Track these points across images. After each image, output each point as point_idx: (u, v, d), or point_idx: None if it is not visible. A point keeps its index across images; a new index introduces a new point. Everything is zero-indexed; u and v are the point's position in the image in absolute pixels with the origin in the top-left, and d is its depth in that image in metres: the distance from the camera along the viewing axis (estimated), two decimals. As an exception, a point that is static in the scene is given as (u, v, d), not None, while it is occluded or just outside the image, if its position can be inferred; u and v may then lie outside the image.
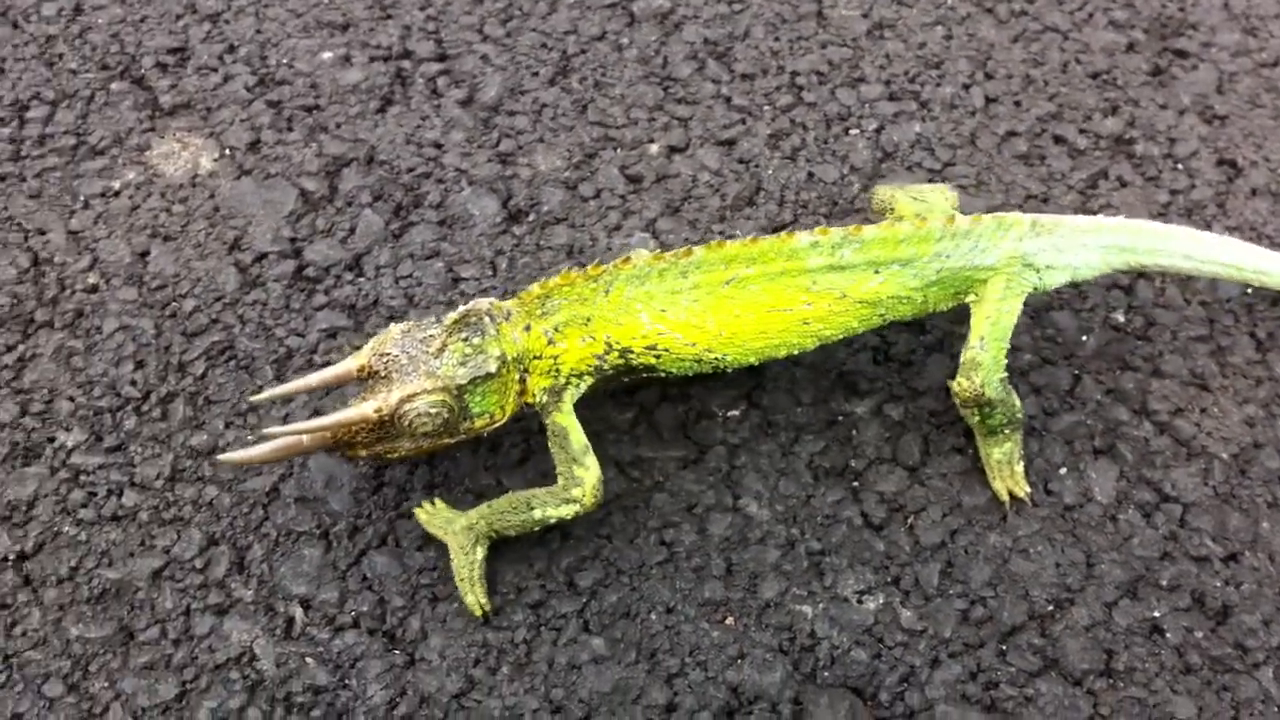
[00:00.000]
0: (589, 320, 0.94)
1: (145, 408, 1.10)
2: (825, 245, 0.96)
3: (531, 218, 1.25)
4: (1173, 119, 1.35)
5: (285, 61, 1.41)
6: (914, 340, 1.14)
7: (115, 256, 1.22)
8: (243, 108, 1.36)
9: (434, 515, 1.00)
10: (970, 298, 1.02)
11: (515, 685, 0.95)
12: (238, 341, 1.15)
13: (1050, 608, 0.98)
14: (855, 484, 1.05)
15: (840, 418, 1.09)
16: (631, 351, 0.96)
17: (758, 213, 1.25)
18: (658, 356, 0.97)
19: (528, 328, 0.93)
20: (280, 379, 1.12)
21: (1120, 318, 1.15)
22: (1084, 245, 1.03)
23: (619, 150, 1.32)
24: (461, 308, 0.91)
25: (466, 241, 1.23)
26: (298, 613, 0.98)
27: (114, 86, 1.38)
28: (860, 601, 0.99)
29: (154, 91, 1.37)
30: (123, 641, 0.97)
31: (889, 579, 1.00)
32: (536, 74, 1.39)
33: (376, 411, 0.88)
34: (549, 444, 0.96)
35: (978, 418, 1.01)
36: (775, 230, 1.24)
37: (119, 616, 0.98)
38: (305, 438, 0.89)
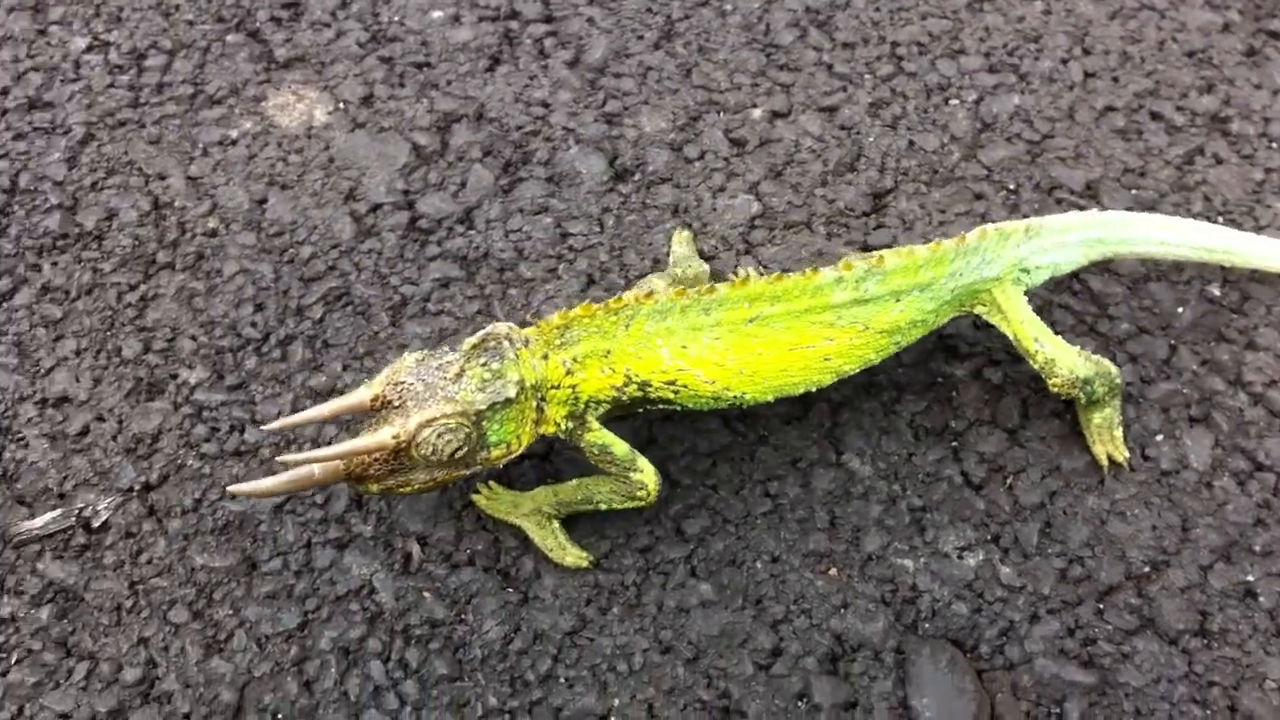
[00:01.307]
0: (609, 353, 0.93)
1: (265, 349, 1.14)
2: (849, 280, 0.96)
3: (637, 177, 1.28)
4: (1267, 99, 1.36)
5: (396, 19, 1.44)
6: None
7: (234, 202, 1.26)
8: (355, 63, 1.39)
9: (495, 499, 1.03)
10: (978, 309, 1.03)
11: (626, 625, 0.98)
12: (354, 288, 1.18)
13: (1147, 569, 1.01)
14: (955, 444, 1.08)
15: (940, 379, 1.11)
16: (650, 385, 0.95)
17: (859, 179, 1.28)
18: (675, 392, 0.96)
19: (545, 356, 0.92)
20: (396, 325, 1.15)
21: (1215, 291, 1.17)
22: (1064, 244, 1.05)
23: (723, 114, 1.34)
24: (480, 332, 0.89)
25: (574, 198, 1.26)
26: (415, 549, 1.01)
27: (229, 39, 1.41)
28: (961, 557, 1.01)
29: (269, 45, 1.41)
30: (246, 571, 1.01)
31: (989, 536, 1.02)
32: (641, 37, 1.41)
33: (394, 438, 0.85)
34: (593, 463, 0.97)
35: (1083, 397, 1.04)
36: (876, 196, 1.26)
37: (242, 548, 1.02)
38: (317, 469, 0.86)
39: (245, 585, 0.99)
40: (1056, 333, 1.05)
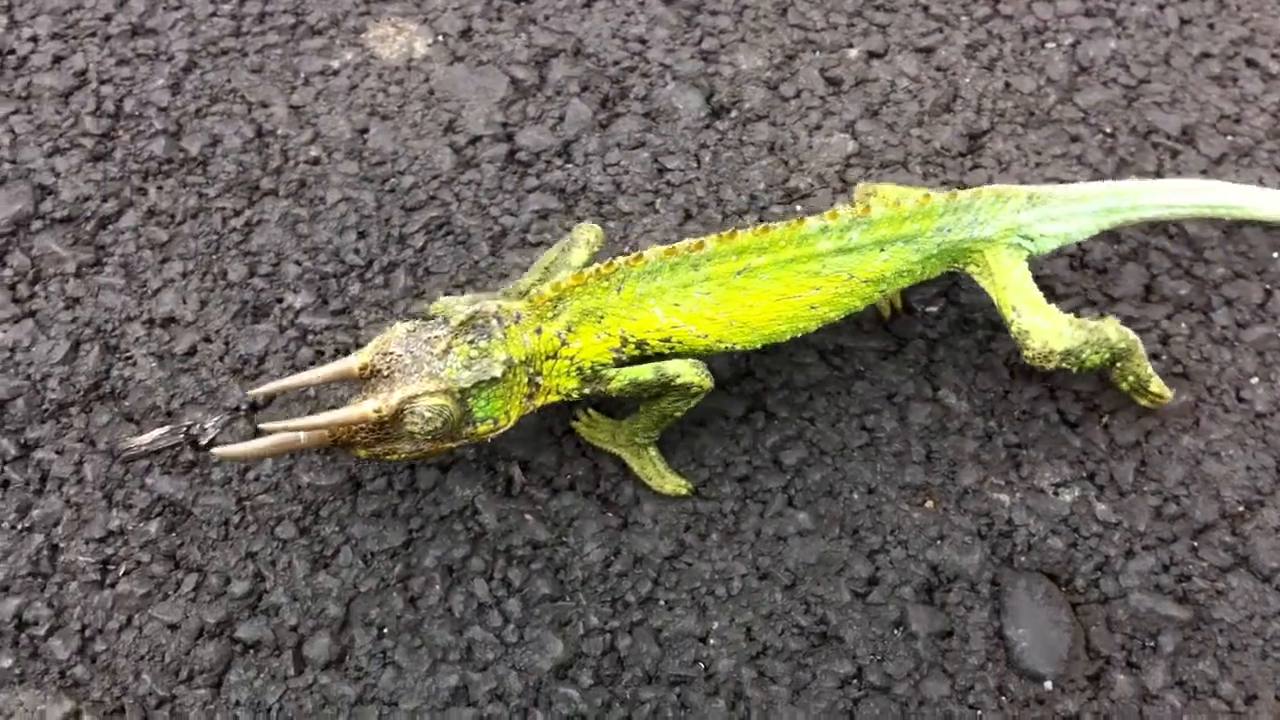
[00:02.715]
0: (602, 317, 0.94)
1: (368, 275, 1.16)
2: (834, 229, 0.96)
3: (734, 114, 1.29)
4: (1365, 48, 1.36)
5: (494, -47, 1.45)
6: (1108, 249, 1.17)
7: (336, 132, 1.27)
8: (453, -4, 1.40)
9: (595, 426, 1.05)
10: (969, 267, 1.03)
11: (724, 551, 0.99)
12: (454, 218, 1.20)
13: (1241, 508, 1.01)
14: (1050, 383, 1.08)
15: (1036, 319, 1.12)
16: (647, 344, 0.95)
17: (955, 120, 1.28)
18: (671, 347, 0.96)
19: (539, 330, 0.92)
20: (496, 255, 1.17)
21: (1312, 237, 1.17)
22: (1075, 213, 1.05)
23: (818, 53, 1.35)
24: (470, 308, 0.89)
25: (671, 134, 1.27)
26: (516, 473, 1.03)
27: (329, -30, 1.43)
28: (1056, 493, 1.02)
29: (368, -23, 1.42)
30: (351, 490, 1.02)
31: (1084, 474, 1.03)
32: (737, -24, 1.42)
33: (376, 412, 0.85)
34: (637, 398, 0.98)
35: (1077, 369, 1.01)
36: (972, 137, 1.27)
37: (347, 467, 1.03)
38: (302, 435, 0.87)
39: (350, 503, 1.01)
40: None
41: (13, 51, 1.34)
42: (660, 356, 0.97)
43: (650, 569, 0.98)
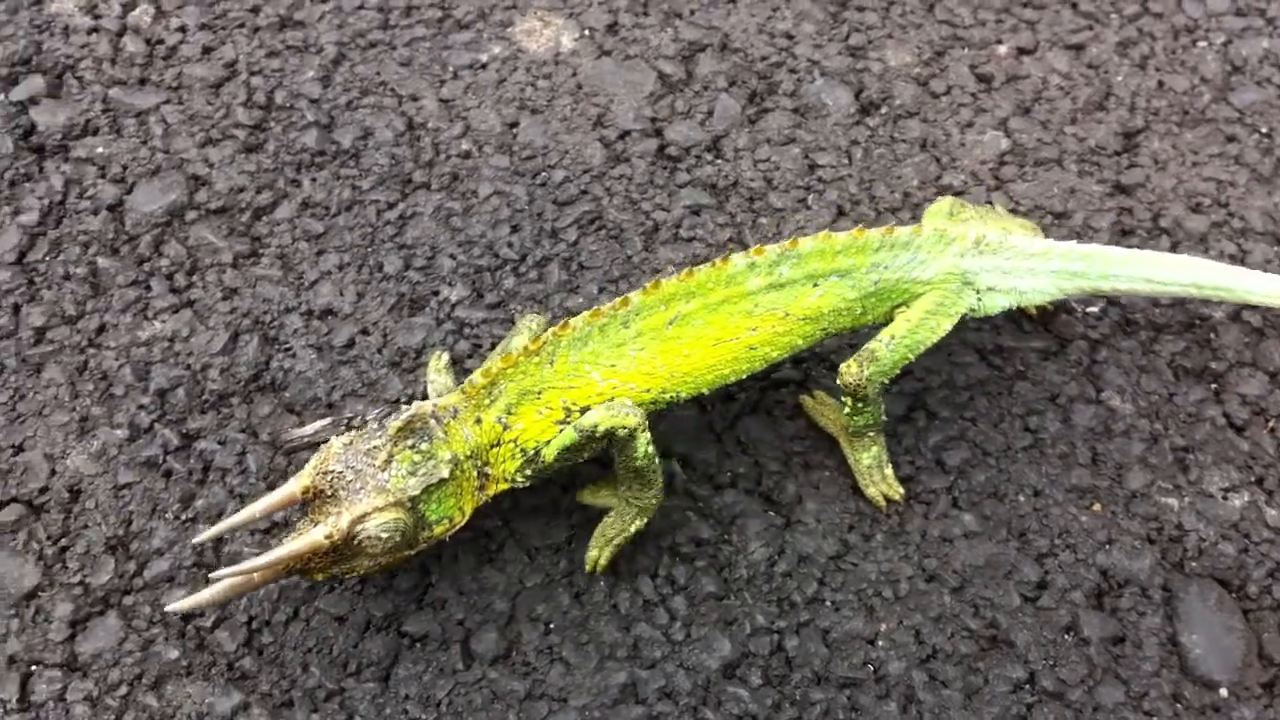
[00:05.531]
0: (540, 393, 0.91)
1: (522, 269, 1.16)
2: (762, 265, 0.93)
3: (884, 110, 1.28)
4: None
5: (637, -53, 1.45)
6: (1269, 251, 1.15)
7: (486, 125, 1.27)
8: (598, -10, 1.40)
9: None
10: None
11: (890, 552, 0.98)
12: (606, 213, 1.19)
13: None
14: (1215, 385, 1.07)
15: (1198, 321, 1.11)
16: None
17: (1109, 118, 1.27)
18: None
19: (479, 420, 0.90)
20: (649, 250, 1.16)
21: None
22: (1031, 270, 1.00)
23: (968, 49, 1.34)
24: (404, 415, 0.86)
25: (821, 130, 1.26)
26: (677, 469, 1.03)
27: (473, -37, 1.43)
28: (1225, 498, 1.01)
29: (512, -30, 1.42)
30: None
31: (1253, 479, 1.02)
32: (882, -29, 1.41)
33: (328, 538, 0.83)
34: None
35: (847, 410, 0.98)
36: (1127, 136, 1.25)
37: (507, 462, 1.03)
38: (257, 575, 0.84)
39: (513, 498, 1.01)
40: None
41: (161, 41, 1.35)
42: None
43: (815, 569, 0.98)
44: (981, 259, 0.98)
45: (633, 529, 0.95)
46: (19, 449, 1.05)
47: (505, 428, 0.90)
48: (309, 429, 1.02)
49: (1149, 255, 1.02)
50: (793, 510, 1.00)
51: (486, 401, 0.90)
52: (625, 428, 0.90)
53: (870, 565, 0.98)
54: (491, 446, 0.90)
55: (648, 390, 0.93)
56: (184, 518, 1.01)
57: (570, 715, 0.92)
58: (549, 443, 0.91)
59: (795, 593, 0.97)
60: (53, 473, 1.03)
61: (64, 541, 1.00)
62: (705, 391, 0.96)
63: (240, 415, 1.06)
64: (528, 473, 0.92)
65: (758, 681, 0.93)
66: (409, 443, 0.85)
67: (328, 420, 1.03)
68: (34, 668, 0.94)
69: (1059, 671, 0.93)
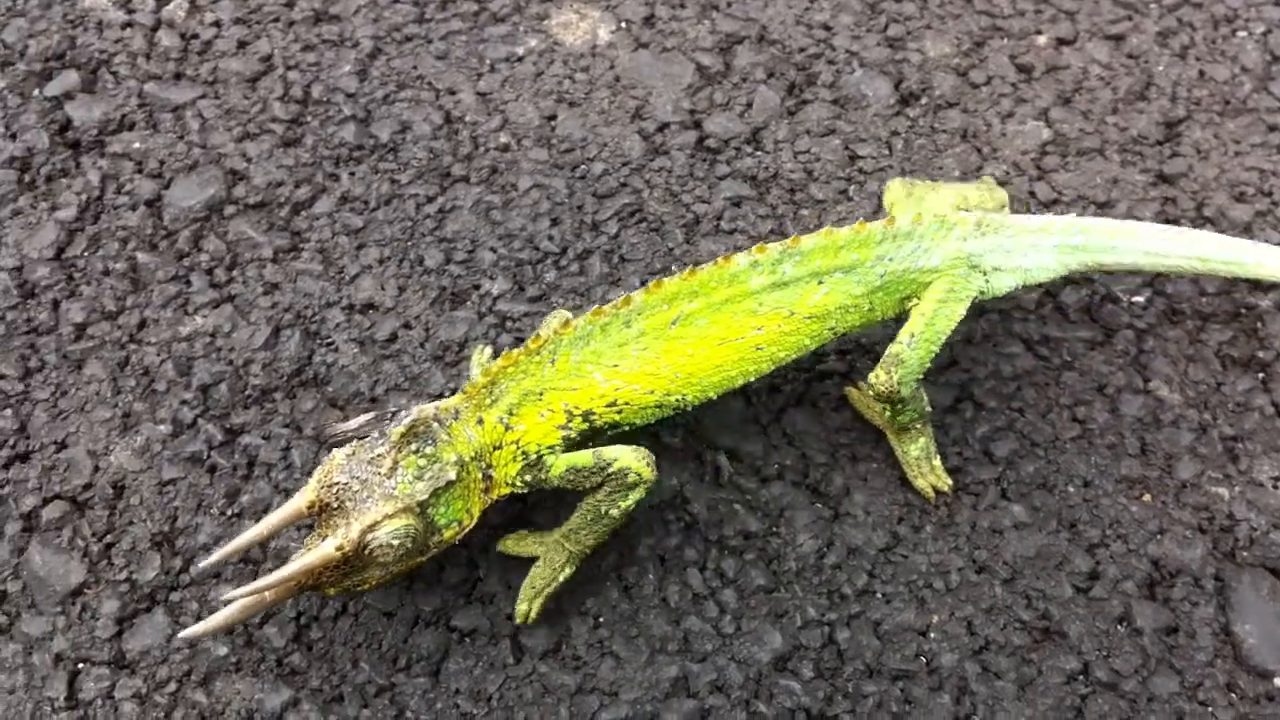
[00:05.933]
0: (542, 394, 0.90)
1: (563, 262, 1.15)
2: (765, 263, 0.92)
3: (924, 101, 1.28)
4: None
5: (672, -61, 1.44)
6: None
7: (524, 118, 1.27)
8: (634, -18, 1.40)
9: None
10: (914, 303, 0.97)
11: (939, 544, 0.98)
12: (646, 205, 1.19)
13: None
14: (1263, 375, 1.06)
15: (1244, 310, 1.10)
16: (594, 414, 0.91)
17: (1150, 107, 1.26)
18: (619, 412, 0.92)
19: (480, 421, 0.88)
20: (690, 243, 1.16)
21: None
22: (1035, 246, 0.99)
23: (1007, 40, 1.33)
24: (406, 420, 0.84)
25: (861, 121, 1.26)
26: (723, 462, 1.02)
27: (507, -43, 1.42)
28: (1276, 487, 1.00)
29: (547, -37, 1.42)
30: (558, 478, 1.02)
31: (1304, 468, 1.01)
32: (919, -38, 1.41)
33: (339, 549, 0.81)
34: (578, 490, 0.92)
35: (889, 413, 0.98)
36: (1168, 125, 1.24)
37: (552, 455, 1.03)
38: (269, 593, 0.82)
39: (556, 493, 1.00)
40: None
41: (196, 36, 1.35)
42: (613, 426, 0.93)
43: (865, 561, 0.97)
44: (984, 240, 0.97)
45: (562, 577, 0.93)
46: (62, 445, 1.04)
47: (507, 428, 0.89)
48: (353, 423, 1.02)
49: (1153, 229, 1.02)
50: (841, 502, 1.00)
51: (488, 401, 0.89)
52: (640, 477, 0.90)
53: (920, 557, 0.97)
54: (494, 448, 0.89)
55: (651, 391, 0.92)
56: (229, 513, 1.01)
57: (622, 709, 0.91)
58: (551, 448, 0.90)
59: (845, 585, 0.96)
60: (96, 469, 1.03)
61: (109, 538, 0.99)
62: (713, 396, 0.95)
63: (284, 410, 1.06)
64: (527, 478, 0.91)
65: (809, 674, 0.92)
66: (413, 447, 0.84)
67: (371, 414, 1.03)
68: (81, 665, 0.94)
69: (1113, 662, 0.92)
